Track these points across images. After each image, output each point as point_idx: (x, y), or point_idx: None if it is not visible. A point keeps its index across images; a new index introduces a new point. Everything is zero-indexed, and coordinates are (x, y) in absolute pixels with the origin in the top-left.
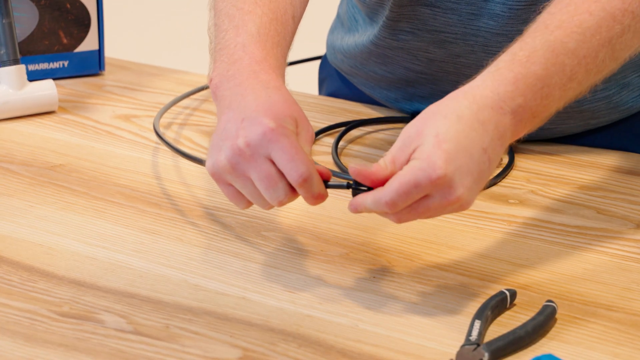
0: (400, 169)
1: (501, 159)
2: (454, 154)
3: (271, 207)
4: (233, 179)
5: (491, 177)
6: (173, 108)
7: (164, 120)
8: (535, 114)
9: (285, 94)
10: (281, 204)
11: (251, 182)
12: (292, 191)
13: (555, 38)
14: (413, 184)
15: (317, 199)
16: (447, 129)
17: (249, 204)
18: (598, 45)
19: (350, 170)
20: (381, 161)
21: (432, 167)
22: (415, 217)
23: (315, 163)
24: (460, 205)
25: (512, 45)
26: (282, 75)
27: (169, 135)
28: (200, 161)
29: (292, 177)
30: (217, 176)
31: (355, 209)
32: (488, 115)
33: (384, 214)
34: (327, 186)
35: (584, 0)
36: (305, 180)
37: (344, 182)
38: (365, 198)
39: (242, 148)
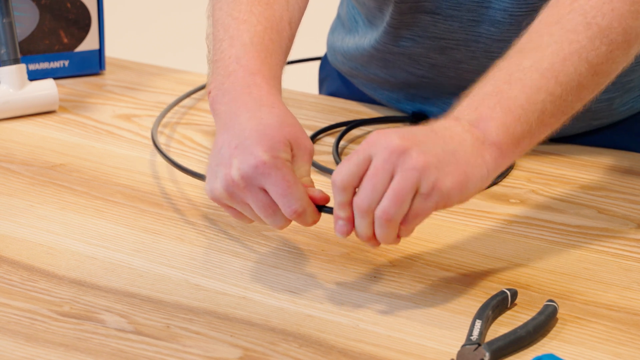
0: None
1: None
2: (389, 130)
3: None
4: (233, 204)
5: (473, 165)
6: (175, 107)
7: (165, 120)
8: (506, 125)
9: (278, 112)
10: (281, 228)
11: (250, 207)
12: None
13: (510, 62)
14: (353, 152)
15: (311, 225)
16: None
17: (252, 220)
18: (562, 59)
19: None
20: None
21: (371, 135)
22: (376, 194)
23: (326, 172)
24: (408, 157)
25: None
26: (278, 86)
27: (174, 136)
28: (194, 174)
29: (286, 212)
30: (216, 200)
31: (341, 230)
32: (440, 122)
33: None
34: (323, 210)
35: (544, 25)
36: (299, 215)
37: None
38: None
39: (236, 180)
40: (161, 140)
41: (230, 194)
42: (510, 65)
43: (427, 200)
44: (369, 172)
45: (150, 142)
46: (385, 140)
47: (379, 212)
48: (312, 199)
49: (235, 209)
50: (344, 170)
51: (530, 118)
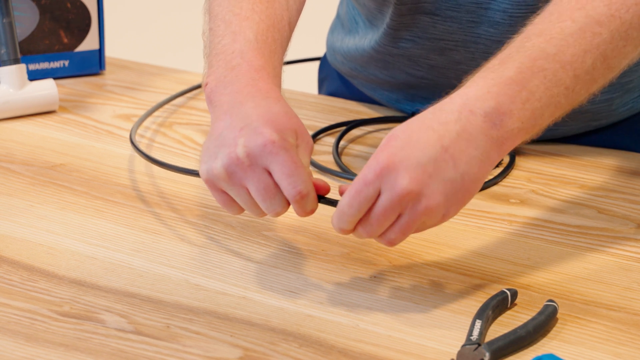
0: None
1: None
2: (399, 148)
3: (264, 215)
4: (228, 187)
5: (478, 180)
6: (173, 107)
7: (165, 119)
8: (521, 119)
9: (285, 105)
10: (277, 214)
11: (246, 191)
12: (289, 203)
13: (532, 44)
14: (362, 181)
15: (308, 214)
16: (402, 128)
17: (241, 210)
18: (583, 51)
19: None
20: None
21: (376, 159)
22: (381, 229)
23: (326, 169)
24: (417, 202)
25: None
26: (279, 85)
27: (174, 136)
28: (173, 168)
29: (290, 193)
30: (210, 183)
31: (339, 229)
32: (453, 117)
33: (368, 234)
34: (321, 201)
35: (567, 8)
36: (303, 197)
37: (337, 199)
38: (333, 217)
39: (241, 157)
40: (161, 139)
41: (230, 174)
42: (533, 49)
43: (432, 226)
44: (377, 211)
45: (150, 142)
46: (395, 179)
47: (384, 240)
48: (315, 187)
49: (227, 194)
50: (356, 205)
51: (544, 113)
